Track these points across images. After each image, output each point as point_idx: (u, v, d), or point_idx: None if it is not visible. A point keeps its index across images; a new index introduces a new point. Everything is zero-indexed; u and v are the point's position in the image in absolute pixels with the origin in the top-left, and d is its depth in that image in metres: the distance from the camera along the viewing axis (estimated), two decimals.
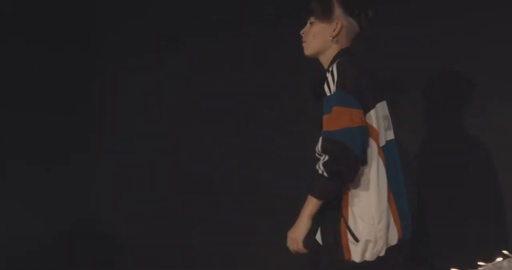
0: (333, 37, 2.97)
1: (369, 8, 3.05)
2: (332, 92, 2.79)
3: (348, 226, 2.80)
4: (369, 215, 2.79)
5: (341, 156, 2.69)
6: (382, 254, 2.81)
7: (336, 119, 2.73)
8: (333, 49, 2.99)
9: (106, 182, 5.30)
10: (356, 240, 2.79)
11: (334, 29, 2.97)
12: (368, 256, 2.80)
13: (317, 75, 3.01)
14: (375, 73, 2.99)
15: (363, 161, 2.77)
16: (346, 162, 2.69)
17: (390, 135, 2.95)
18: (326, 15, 2.99)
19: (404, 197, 2.94)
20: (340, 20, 2.98)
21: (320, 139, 2.76)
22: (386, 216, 2.81)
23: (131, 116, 5.21)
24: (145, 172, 5.10)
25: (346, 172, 2.71)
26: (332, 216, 2.85)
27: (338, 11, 2.99)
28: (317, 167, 2.73)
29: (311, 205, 2.79)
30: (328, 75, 2.84)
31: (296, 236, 2.83)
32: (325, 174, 2.71)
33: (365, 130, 2.77)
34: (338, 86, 2.78)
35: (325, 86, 2.84)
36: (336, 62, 2.87)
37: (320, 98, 2.92)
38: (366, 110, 2.81)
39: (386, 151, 2.87)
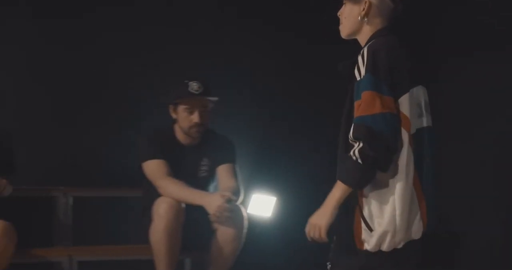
0: (362, 18, 2.77)
1: None
2: (362, 76, 2.62)
3: (362, 214, 2.67)
4: (391, 204, 2.62)
5: (374, 143, 2.52)
6: (399, 246, 2.64)
7: (368, 104, 2.55)
8: (367, 30, 2.80)
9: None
10: (371, 229, 2.64)
11: (363, 9, 2.76)
12: (385, 247, 2.63)
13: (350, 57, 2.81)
14: (413, 56, 2.75)
15: (395, 148, 2.59)
16: (379, 149, 2.53)
17: (422, 123, 2.72)
18: None
19: (433, 189, 2.72)
20: None
21: (353, 125, 2.58)
22: (410, 207, 2.63)
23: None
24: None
25: (380, 159, 2.55)
26: (346, 205, 2.69)
27: None
28: (351, 153, 2.56)
29: (341, 191, 2.64)
30: (359, 58, 2.67)
31: (320, 223, 2.66)
32: (359, 160, 2.54)
33: (396, 118, 2.59)
34: (367, 69, 2.60)
35: (355, 70, 2.67)
36: (368, 44, 2.70)
37: (351, 82, 2.73)
38: (398, 96, 2.63)
39: (416, 139, 2.67)
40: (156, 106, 4.44)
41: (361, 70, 2.64)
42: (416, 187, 2.66)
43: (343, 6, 2.86)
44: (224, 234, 4.02)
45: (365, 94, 2.57)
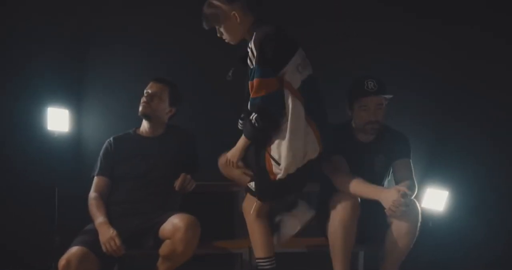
0: (239, 25, 3.85)
1: None
2: (253, 66, 3.66)
3: (271, 155, 3.79)
4: (288, 141, 3.71)
5: (264, 115, 3.65)
6: (299, 165, 3.80)
7: (257, 88, 3.64)
8: (246, 29, 3.84)
9: None
10: (278, 164, 3.78)
11: (236, 19, 3.82)
12: (291, 171, 3.77)
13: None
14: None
15: (280, 115, 3.70)
16: (267, 119, 3.67)
17: (305, 74, 3.79)
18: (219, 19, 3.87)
19: (324, 120, 3.89)
20: (232, 12, 3.81)
21: (249, 102, 3.72)
22: (305, 139, 3.76)
23: None
24: None
25: (268, 125, 3.70)
26: (258, 149, 3.84)
27: (226, 8, 3.83)
28: (251, 117, 3.69)
29: (244, 141, 3.87)
30: (249, 50, 3.69)
31: (233, 159, 3.95)
32: (256, 124, 3.68)
33: (279, 93, 3.68)
34: (256, 61, 3.64)
35: (248, 60, 3.69)
36: (253, 38, 3.68)
37: (246, 65, 3.74)
38: (281, 69, 3.69)
39: (302, 89, 3.74)
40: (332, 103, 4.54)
41: (252, 60, 3.67)
42: (309, 122, 3.76)
43: (218, 30, 3.90)
44: (398, 228, 4.06)
45: (255, 81, 3.64)
